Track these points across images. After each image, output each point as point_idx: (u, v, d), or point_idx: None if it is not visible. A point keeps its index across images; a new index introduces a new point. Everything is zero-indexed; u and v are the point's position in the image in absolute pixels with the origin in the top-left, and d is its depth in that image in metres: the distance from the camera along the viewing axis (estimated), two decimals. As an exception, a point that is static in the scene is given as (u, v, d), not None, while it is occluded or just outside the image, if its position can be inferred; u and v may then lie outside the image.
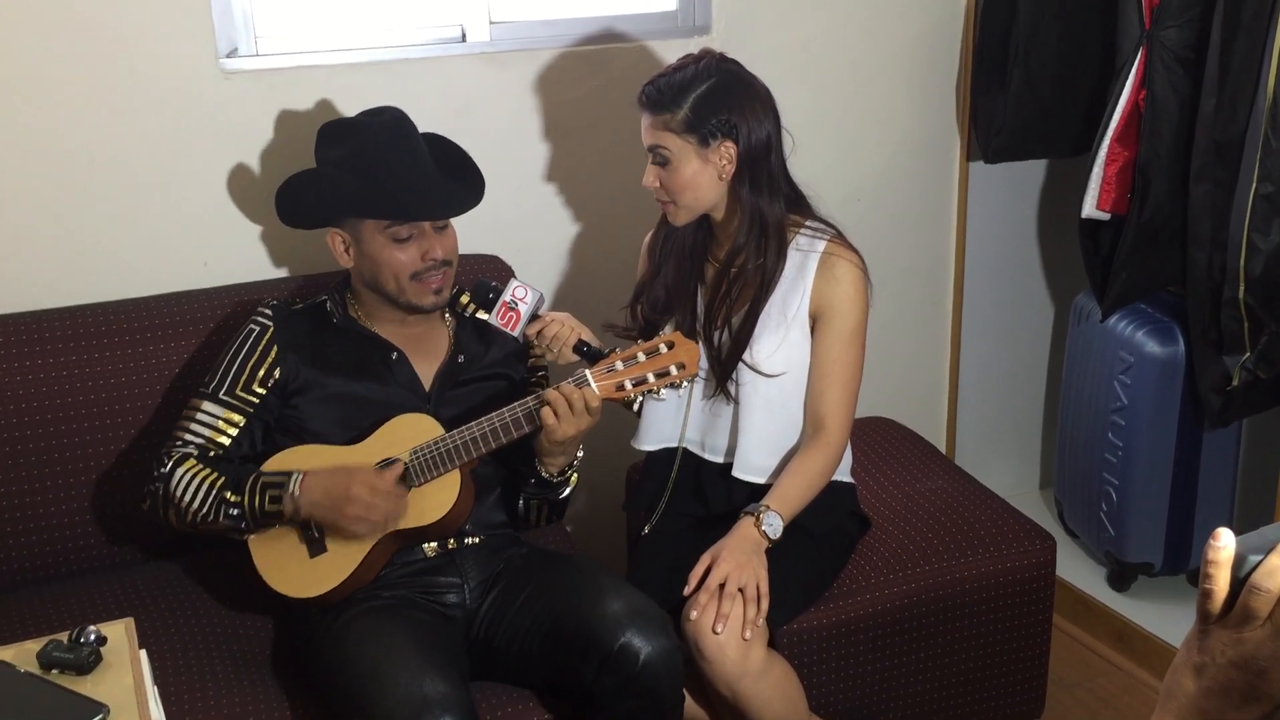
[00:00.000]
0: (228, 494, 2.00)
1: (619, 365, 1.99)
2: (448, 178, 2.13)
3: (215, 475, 2.02)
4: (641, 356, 1.99)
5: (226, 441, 2.08)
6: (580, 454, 2.13)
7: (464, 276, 2.32)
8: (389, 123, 2.10)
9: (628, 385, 1.98)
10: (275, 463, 2.06)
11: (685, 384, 2.01)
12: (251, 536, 2.05)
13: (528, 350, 2.25)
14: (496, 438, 1.99)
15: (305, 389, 2.11)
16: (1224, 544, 0.85)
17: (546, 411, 1.96)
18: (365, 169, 2.06)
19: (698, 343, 2.15)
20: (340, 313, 2.17)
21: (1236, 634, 0.86)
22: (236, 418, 2.09)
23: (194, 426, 2.08)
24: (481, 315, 2.18)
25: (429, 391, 2.15)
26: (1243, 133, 2.34)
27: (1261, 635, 0.85)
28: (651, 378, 1.98)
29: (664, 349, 1.98)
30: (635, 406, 2.06)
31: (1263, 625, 0.85)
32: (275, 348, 2.11)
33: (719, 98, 2.06)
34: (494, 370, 2.22)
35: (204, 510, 2.00)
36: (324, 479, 1.98)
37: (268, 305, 2.16)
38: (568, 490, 2.18)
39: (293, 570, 2.03)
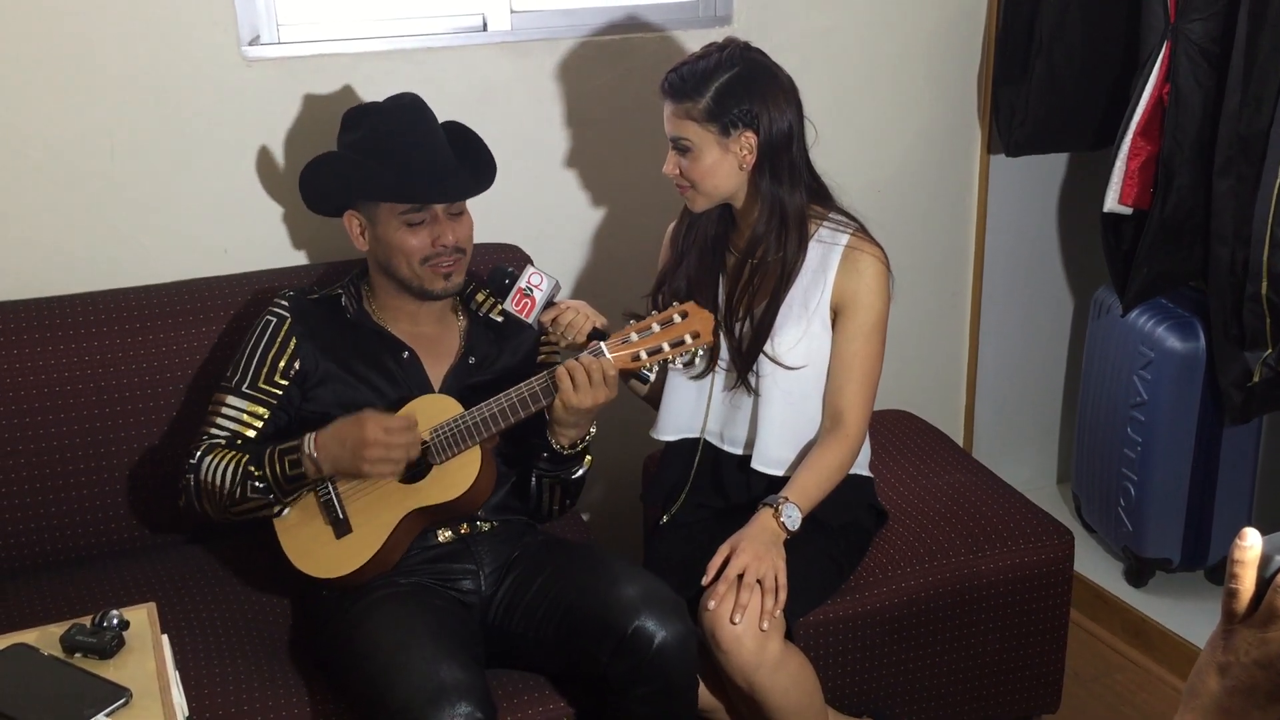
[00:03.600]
0: (251, 467, 2.01)
1: (634, 336, 2.00)
2: (460, 163, 2.13)
3: (239, 455, 2.03)
4: (656, 327, 2.00)
5: (253, 434, 2.09)
6: (593, 430, 2.12)
7: (482, 263, 2.33)
8: (404, 106, 2.11)
9: (643, 355, 1.99)
10: None
11: (701, 351, 2.01)
12: (278, 520, 2.06)
13: (539, 341, 2.25)
14: (515, 412, 2.00)
15: (324, 381, 2.11)
16: (1250, 543, 0.85)
17: (563, 380, 1.97)
18: (379, 151, 2.07)
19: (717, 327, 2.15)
20: (355, 306, 2.17)
21: (1262, 634, 0.85)
22: (261, 410, 2.09)
23: (220, 421, 2.09)
24: (495, 316, 2.19)
25: (438, 393, 2.15)
26: (1267, 127, 2.32)
27: (1287, 635, 0.85)
28: (666, 346, 1.99)
29: (678, 319, 2.00)
30: (651, 376, 2.06)
31: (1288, 625, 0.85)
32: (294, 339, 2.11)
33: (741, 87, 2.05)
34: (505, 373, 2.20)
35: (232, 487, 2.01)
36: (336, 432, 1.98)
37: (284, 296, 2.16)
38: (581, 470, 2.17)
39: (320, 553, 2.05)
